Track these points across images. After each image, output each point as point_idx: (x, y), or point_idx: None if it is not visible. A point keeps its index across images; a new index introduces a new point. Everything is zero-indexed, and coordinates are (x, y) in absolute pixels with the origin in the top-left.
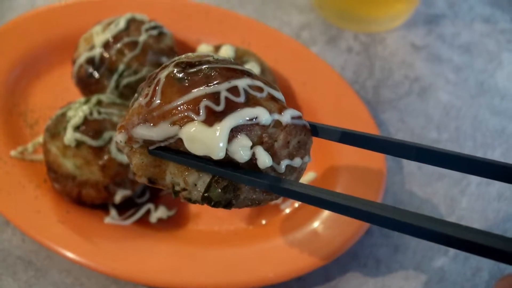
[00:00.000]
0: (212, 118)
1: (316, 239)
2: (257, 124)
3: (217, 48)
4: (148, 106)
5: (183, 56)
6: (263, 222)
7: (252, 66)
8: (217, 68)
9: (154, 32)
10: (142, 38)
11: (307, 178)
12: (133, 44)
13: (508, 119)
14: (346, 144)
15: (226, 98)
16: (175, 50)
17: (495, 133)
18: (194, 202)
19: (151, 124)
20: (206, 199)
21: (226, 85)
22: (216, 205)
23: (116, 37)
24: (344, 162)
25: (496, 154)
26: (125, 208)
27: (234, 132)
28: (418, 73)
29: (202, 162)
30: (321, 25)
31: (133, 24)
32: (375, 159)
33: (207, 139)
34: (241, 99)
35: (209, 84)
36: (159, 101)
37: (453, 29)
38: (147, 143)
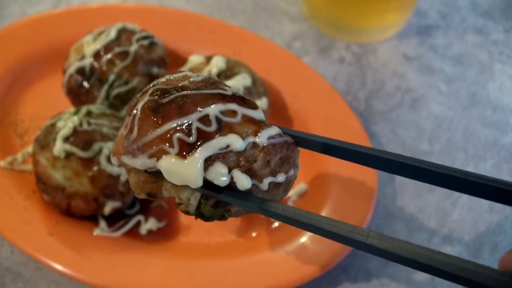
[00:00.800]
0: (186, 149)
1: (306, 252)
2: (231, 151)
3: (208, 59)
4: (128, 138)
5: (162, 79)
6: (254, 234)
7: (243, 78)
8: (191, 95)
9: (145, 42)
10: (133, 48)
11: (297, 190)
12: (124, 54)
13: (500, 131)
14: (327, 154)
15: (198, 129)
16: (166, 60)
17: (486, 145)
18: (192, 215)
19: (132, 156)
20: (200, 215)
21: (197, 114)
22: (210, 219)
23: (107, 47)
24: (336, 173)
25: (488, 166)
26: (115, 219)
27: (209, 161)
28: (410, 84)
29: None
30: (313, 35)
31: (124, 34)
32: (367, 171)
33: (182, 171)
34: (213, 128)
35: (181, 116)
36: (135, 135)
37: (445, 40)
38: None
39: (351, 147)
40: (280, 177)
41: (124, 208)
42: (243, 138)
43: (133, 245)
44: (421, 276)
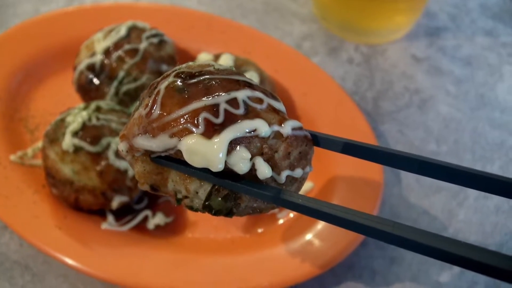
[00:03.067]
0: (211, 130)
1: (311, 249)
2: (257, 136)
3: (217, 57)
4: (148, 117)
5: (184, 65)
6: (260, 230)
7: (251, 76)
8: (217, 79)
9: (155, 40)
10: (143, 45)
11: (304, 188)
12: (133, 52)
13: (508, 133)
14: (348, 155)
15: (225, 110)
16: (175, 58)
17: (494, 146)
18: (196, 210)
19: (151, 135)
20: (207, 208)
21: (226, 97)
22: (217, 213)
23: (117, 44)
24: (342, 173)
25: (495, 168)
26: (122, 214)
27: (233, 144)
28: (419, 85)
29: (203, 171)
30: (322, 35)
31: (134, 31)
32: (373, 171)
33: (206, 151)
34: (241, 111)
35: (209, 96)
36: (158, 113)
37: (454, 42)
38: (148, 152)
39: (368, 146)
40: (297, 172)
41: (132, 202)
42: (269, 125)
43: (140, 240)
44: (425, 276)
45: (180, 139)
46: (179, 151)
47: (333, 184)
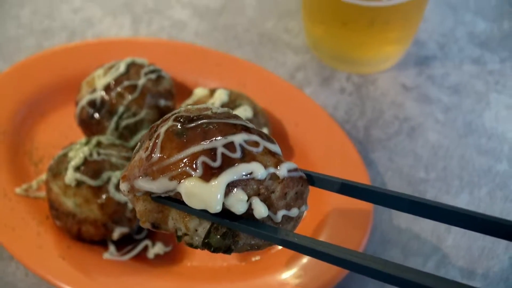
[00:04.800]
0: (209, 173)
1: (305, 275)
2: (253, 178)
3: (212, 92)
4: (148, 160)
5: (183, 108)
6: (255, 258)
7: (244, 110)
8: (215, 123)
9: (153, 76)
10: (141, 81)
11: None
12: (132, 88)
13: (494, 159)
14: (342, 194)
15: (223, 154)
16: (173, 93)
17: (481, 172)
18: (196, 247)
19: (151, 178)
20: (207, 245)
21: (223, 141)
22: (216, 250)
23: (117, 80)
24: (332, 199)
25: (482, 193)
26: (123, 244)
27: (230, 187)
28: (408, 113)
29: (202, 211)
30: (315, 66)
31: (133, 68)
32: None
33: (204, 194)
34: (237, 154)
35: (206, 140)
36: (158, 156)
37: (442, 70)
38: (149, 192)
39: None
40: (293, 211)
41: (132, 233)
42: (265, 167)
43: (140, 269)
44: None
45: (179, 182)
46: (179, 193)
47: (326, 211)
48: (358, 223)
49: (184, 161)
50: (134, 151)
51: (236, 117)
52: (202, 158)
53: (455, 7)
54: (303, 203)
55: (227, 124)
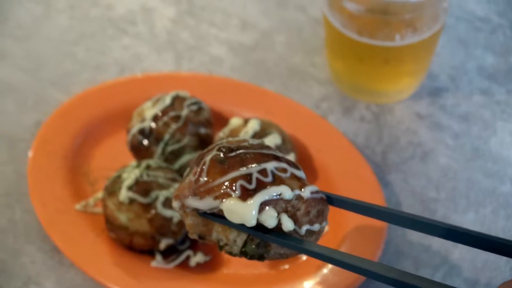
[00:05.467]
0: (246, 194)
1: (327, 282)
2: (282, 198)
3: (245, 121)
4: (197, 182)
5: (225, 140)
6: (285, 267)
7: (274, 137)
8: (251, 153)
9: (194, 107)
10: (184, 112)
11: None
12: (176, 118)
13: (499, 181)
14: (358, 213)
15: (257, 178)
16: (211, 122)
17: (486, 192)
18: (234, 255)
19: (199, 197)
20: (244, 253)
21: (257, 168)
22: (251, 258)
23: (163, 111)
24: (350, 217)
25: (487, 212)
26: (169, 253)
27: (263, 205)
28: (421, 139)
29: (240, 225)
30: (338, 97)
31: (177, 100)
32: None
33: (242, 211)
34: (269, 179)
35: (244, 167)
36: (205, 179)
37: (453, 100)
38: (196, 209)
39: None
40: (315, 226)
41: (176, 244)
42: (292, 190)
43: (183, 275)
44: None
45: (222, 201)
46: (221, 210)
47: (344, 227)
48: (373, 237)
49: (225, 184)
50: (184, 175)
51: (268, 147)
52: (240, 182)
53: (466, 42)
54: (323, 220)
55: (260, 153)
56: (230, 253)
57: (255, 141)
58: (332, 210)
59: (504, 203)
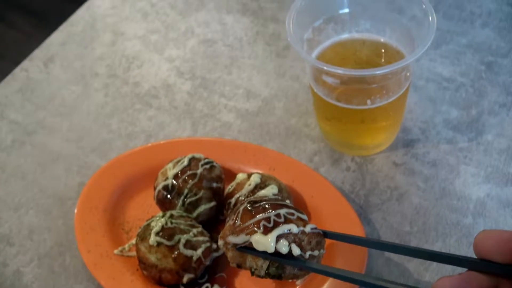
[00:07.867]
0: (267, 230)
1: None
2: (291, 233)
3: (249, 176)
4: (234, 225)
5: (252, 197)
6: (297, 283)
7: (271, 188)
8: (270, 203)
9: (207, 166)
10: (199, 171)
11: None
12: (193, 175)
13: (462, 215)
14: (346, 242)
15: (274, 220)
16: (222, 177)
17: (452, 225)
18: (262, 277)
19: (236, 235)
20: (268, 275)
21: (274, 212)
22: (273, 277)
23: (182, 171)
24: (340, 245)
25: (452, 241)
26: (190, 286)
27: (278, 238)
28: (397, 184)
29: (264, 254)
30: (327, 151)
31: (193, 161)
32: (361, 248)
33: (264, 242)
34: (282, 220)
35: (265, 213)
36: (239, 223)
37: (424, 149)
38: (235, 244)
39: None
40: (315, 252)
41: (197, 278)
42: (298, 226)
43: None
44: None
45: (251, 236)
46: (251, 243)
47: (336, 252)
48: (358, 258)
49: (253, 224)
50: (226, 222)
51: (281, 200)
52: (263, 222)
53: (434, 100)
54: (321, 248)
55: (276, 204)
56: (258, 276)
57: (273, 197)
58: (327, 241)
59: (467, 233)
